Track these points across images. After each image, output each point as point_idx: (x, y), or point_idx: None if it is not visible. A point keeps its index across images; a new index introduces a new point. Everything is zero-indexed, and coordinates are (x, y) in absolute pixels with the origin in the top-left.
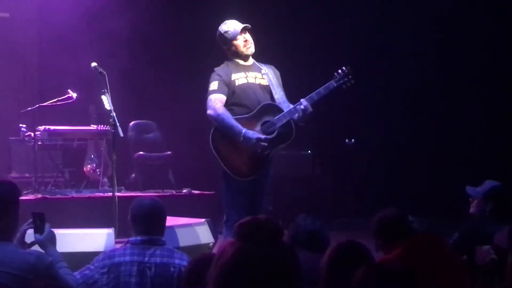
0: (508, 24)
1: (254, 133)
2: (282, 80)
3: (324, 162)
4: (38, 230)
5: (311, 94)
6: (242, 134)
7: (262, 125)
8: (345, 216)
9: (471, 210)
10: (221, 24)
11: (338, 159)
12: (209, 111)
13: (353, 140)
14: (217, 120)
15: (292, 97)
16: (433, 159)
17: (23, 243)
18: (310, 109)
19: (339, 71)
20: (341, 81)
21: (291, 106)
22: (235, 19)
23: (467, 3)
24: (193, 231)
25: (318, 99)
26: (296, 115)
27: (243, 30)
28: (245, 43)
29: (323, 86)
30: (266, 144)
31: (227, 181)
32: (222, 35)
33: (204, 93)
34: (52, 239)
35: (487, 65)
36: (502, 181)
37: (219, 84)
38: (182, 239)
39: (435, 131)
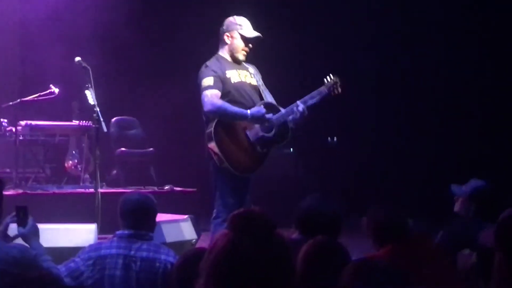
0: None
1: (259, 110)
2: (270, 81)
3: (307, 160)
4: (21, 223)
5: (305, 98)
6: (249, 114)
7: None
8: None
9: (456, 208)
10: (238, 16)
11: (320, 157)
12: (207, 107)
13: (335, 138)
14: (219, 112)
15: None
16: (418, 157)
17: (6, 237)
18: (306, 111)
19: (328, 78)
20: (332, 88)
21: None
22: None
23: (465, 4)
24: (178, 227)
25: (312, 104)
26: (291, 116)
27: (253, 39)
28: (246, 49)
29: (315, 91)
30: (272, 118)
31: (223, 177)
32: (234, 25)
33: (188, 90)
34: (36, 232)
35: (483, 64)
36: (491, 180)
37: (214, 80)
38: (167, 234)
39: (420, 128)
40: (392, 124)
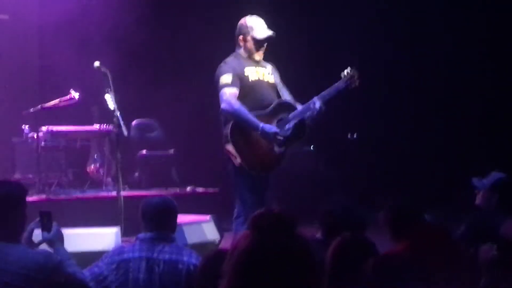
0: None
1: (271, 127)
2: (287, 77)
3: (327, 157)
4: (45, 228)
5: (323, 93)
6: (260, 128)
7: (277, 122)
8: None
9: (477, 201)
10: (250, 16)
11: (341, 154)
12: (223, 105)
13: (355, 135)
14: (234, 115)
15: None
16: (438, 152)
17: (30, 242)
18: (324, 107)
19: (345, 71)
20: (348, 82)
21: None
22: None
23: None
24: (200, 228)
25: (329, 99)
26: (309, 113)
27: (267, 39)
28: (259, 50)
29: (332, 86)
30: (282, 138)
31: (242, 177)
32: (246, 27)
33: (206, 89)
34: (60, 237)
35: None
36: (508, 173)
37: (233, 78)
38: (189, 236)
39: (439, 125)
40: (412, 118)
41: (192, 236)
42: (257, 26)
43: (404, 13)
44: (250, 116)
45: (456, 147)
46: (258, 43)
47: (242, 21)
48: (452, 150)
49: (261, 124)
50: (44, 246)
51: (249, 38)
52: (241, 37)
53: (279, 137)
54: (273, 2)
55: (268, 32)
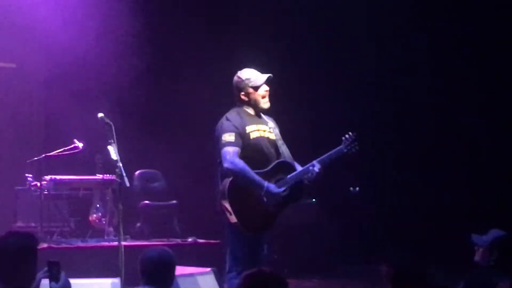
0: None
1: (275, 187)
2: (285, 129)
3: (329, 210)
4: (53, 278)
5: (323, 157)
6: (265, 187)
7: (276, 182)
8: (351, 264)
9: (476, 258)
10: (241, 71)
11: (343, 207)
12: (227, 165)
13: (357, 188)
14: (239, 174)
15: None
16: (437, 207)
17: None
18: (322, 172)
19: (347, 136)
20: (349, 147)
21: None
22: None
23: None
24: (195, 281)
25: (329, 163)
26: (308, 176)
27: (266, 81)
28: (265, 94)
29: (333, 150)
30: (283, 199)
31: (235, 234)
32: (242, 82)
33: (207, 142)
34: (68, 287)
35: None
36: (508, 231)
37: (235, 137)
38: None
39: (439, 178)
40: (413, 173)
41: None
42: (252, 75)
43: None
44: (255, 176)
45: (458, 202)
46: (261, 89)
47: (235, 78)
48: (454, 205)
49: (266, 183)
50: None
51: (250, 90)
52: (242, 93)
53: (282, 198)
54: (273, 59)
55: (265, 75)
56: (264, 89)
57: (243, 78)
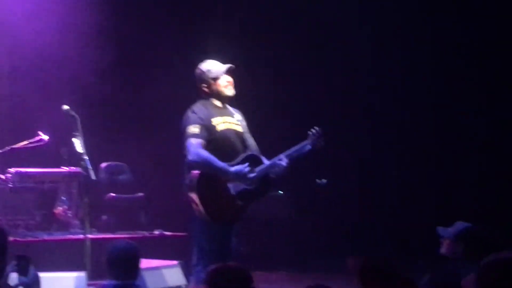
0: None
1: (242, 169)
2: (253, 124)
3: (296, 202)
4: (22, 272)
5: (290, 152)
6: (233, 171)
7: None
8: (320, 257)
9: (442, 250)
10: (202, 63)
11: (310, 199)
12: (191, 157)
13: (324, 180)
14: (203, 164)
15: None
16: (406, 199)
17: (7, 286)
18: (288, 165)
19: (313, 130)
20: (315, 142)
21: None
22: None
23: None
24: (160, 274)
25: (296, 157)
26: (275, 169)
27: (227, 71)
28: (228, 83)
29: (299, 145)
30: (254, 176)
31: (202, 226)
32: (203, 73)
33: (174, 134)
34: (37, 281)
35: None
36: (474, 222)
37: (200, 129)
38: (150, 282)
39: (407, 169)
40: (381, 165)
41: (152, 282)
42: (213, 67)
43: (371, 55)
44: (220, 163)
45: (424, 193)
46: (222, 79)
47: (196, 70)
48: (420, 196)
49: (232, 168)
50: None
51: (211, 81)
52: (204, 85)
53: (251, 176)
54: (244, 56)
55: (226, 66)
56: (225, 80)
57: (204, 70)
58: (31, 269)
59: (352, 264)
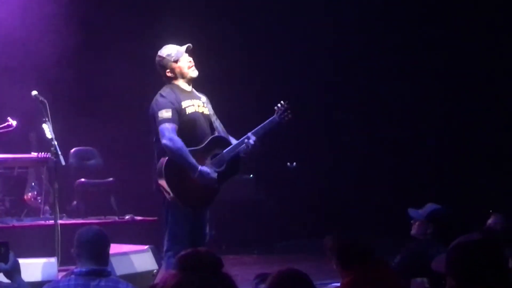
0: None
1: (209, 173)
2: (218, 106)
3: (267, 185)
4: (1, 259)
5: (257, 129)
6: (198, 170)
7: (212, 158)
8: (288, 239)
9: (412, 232)
10: (161, 49)
11: (280, 182)
12: (166, 142)
13: (294, 163)
14: (176, 152)
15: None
16: (377, 179)
17: None
18: (257, 143)
19: (279, 105)
20: (282, 116)
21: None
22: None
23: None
24: (129, 260)
25: (263, 133)
26: (243, 148)
27: (186, 51)
28: (190, 63)
29: (267, 121)
30: (216, 181)
31: (173, 211)
32: (164, 59)
33: (143, 119)
34: (17, 268)
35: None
36: (444, 204)
37: (172, 112)
38: (118, 267)
39: (378, 150)
40: (350, 147)
41: (120, 267)
42: (171, 50)
43: (346, 42)
44: (190, 158)
45: (394, 175)
46: (183, 60)
47: (157, 58)
48: (390, 179)
49: (199, 167)
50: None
51: (173, 65)
52: (167, 70)
53: (215, 182)
54: (208, 34)
55: (184, 46)
56: (186, 60)
57: (164, 55)
58: (11, 255)
59: (330, 245)
